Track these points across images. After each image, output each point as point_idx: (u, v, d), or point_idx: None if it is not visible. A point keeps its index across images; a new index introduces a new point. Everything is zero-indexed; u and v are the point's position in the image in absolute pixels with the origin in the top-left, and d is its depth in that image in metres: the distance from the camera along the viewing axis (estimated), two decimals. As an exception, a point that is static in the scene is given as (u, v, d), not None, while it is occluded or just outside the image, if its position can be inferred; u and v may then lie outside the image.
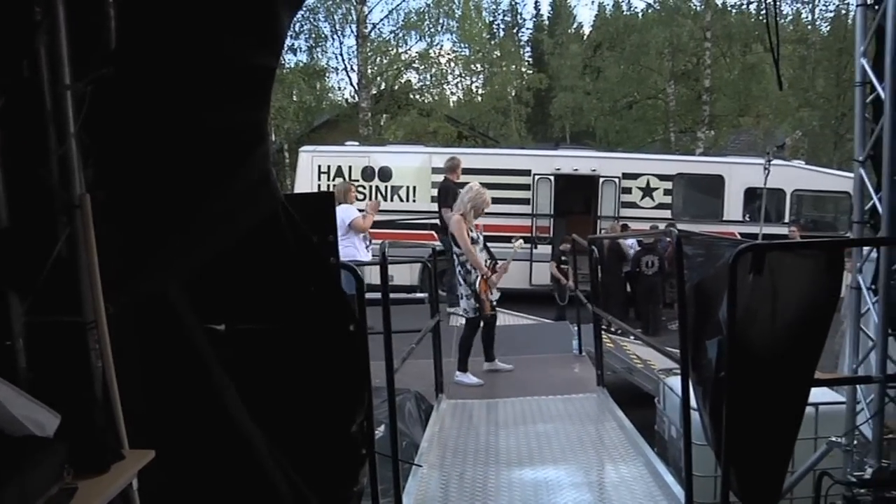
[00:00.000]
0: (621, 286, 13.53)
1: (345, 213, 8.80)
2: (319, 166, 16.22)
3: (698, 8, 26.95)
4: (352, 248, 8.62)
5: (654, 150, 24.45)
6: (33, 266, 1.75)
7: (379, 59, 26.76)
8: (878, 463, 4.52)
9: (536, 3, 57.77)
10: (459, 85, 30.96)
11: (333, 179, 15.87)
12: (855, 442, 4.77)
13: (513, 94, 30.49)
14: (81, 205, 1.79)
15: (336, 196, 9.34)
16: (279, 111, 24.16)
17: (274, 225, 2.29)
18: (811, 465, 4.87)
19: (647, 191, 16.05)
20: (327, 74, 28.53)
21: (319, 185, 15.80)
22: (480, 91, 31.73)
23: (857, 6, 4.90)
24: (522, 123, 31.30)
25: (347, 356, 2.51)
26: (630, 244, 13.70)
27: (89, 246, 1.79)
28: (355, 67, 26.75)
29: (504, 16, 46.58)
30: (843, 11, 26.21)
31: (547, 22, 48.38)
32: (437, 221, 11.45)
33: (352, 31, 26.30)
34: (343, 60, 27.32)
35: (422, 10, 26.35)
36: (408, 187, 16.25)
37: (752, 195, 15.34)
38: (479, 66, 29.62)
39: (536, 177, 16.05)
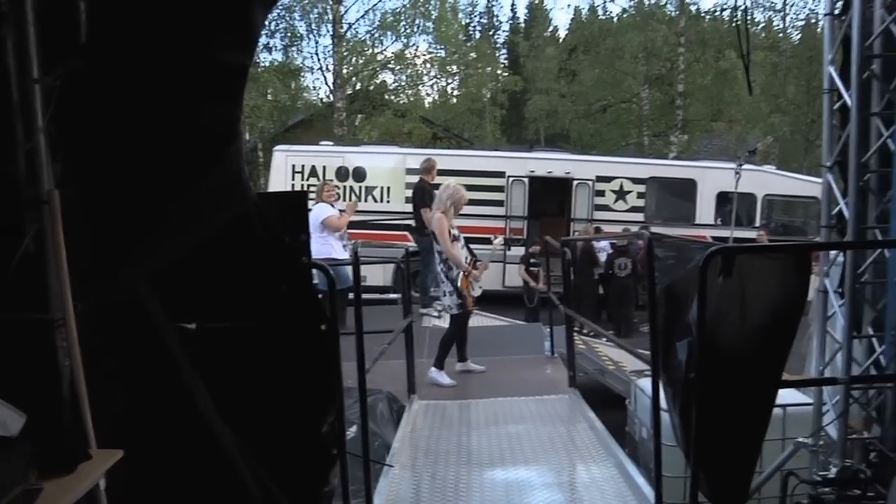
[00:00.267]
0: (594, 288, 13.62)
1: (319, 212, 8.78)
2: (294, 166, 16.13)
3: (673, 13, 27.24)
4: (328, 247, 8.58)
5: (628, 153, 24.62)
6: (0, 262, 1.72)
7: (354, 59, 26.65)
8: (842, 462, 4.60)
9: (513, 5, 58.09)
10: (435, 86, 31.08)
11: (308, 179, 15.80)
12: (821, 442, 4.85)
13: (488, 95, 30.50)
14: (50, 200, 1.76)
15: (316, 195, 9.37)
16: (254, 110, 24.00)
17: (246, 223, 2.27)
18: (779, 465, 4.94)
19: (621, 194, 16.18)
20: (302, 74, 28.39)
21: (293, 185, 15.71)
22: (456, 92, 31.82)
23: (825, 16, 4.99)
24: (497, 125, 31.33)
25: (319, 356, 2.50)
26: (602, 247, 13.79)
27: (57, 242, 1.76)
28: (331, 67, 26.66)
29: (480, 18, 46.78)
30: (813, 20, 26.65)
31: (523, 25, 48.55)
32: (412, 222, 11.44)
33: (328, 31, 26.21)
34: (318, 60, 27.24)
35: (398, 10, 26.34)
36: (382, 188, 16.22)
37: (724, 199, 15.52)
38: (454, 67, 29.64)
39: (511, 179, 16.10)
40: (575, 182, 16.18)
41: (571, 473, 4.83)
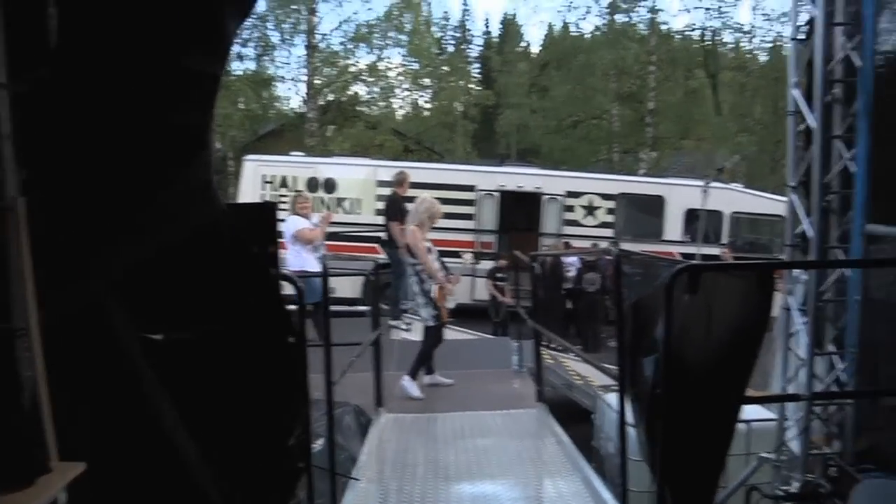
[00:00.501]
0: (562, 303, 13.69)
1: (291, 224, 8.75)
2: (264, 176, 16.06)
3: (644, 32, 27.62)
4: (300, 259, 8.56)
5: (598, 169, 24.86)
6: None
7: (327, 69, 26.64)
8: (804, 477, 4.67)
9: (486, 20, 58.44)
10: (407, 99, 31.14)
11: (278, 189, 15.73)
12: (783, 457, 4.92)
13: (460, 109, 30.68)
14: (14, 208, 1.73)
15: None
16: (224, 119, 23.86)
17: (213, 233, 2.26)
18: (743, 480, 5.00)
19: (590, 209, 16.32)
20: (275, 83, 28.26)
21: (264, 195, 15.62)
22: (428, 105, 31.89)
23: (791, 41, 5.11)
24: (469, 139, 31.54)
25: (286, 368, 2.49)
26: (571, 262, 13.88)
27: (21, 250, 1.73)
28: (304, 77, 26.61)
29: (454, 32, 47.06)
30: (780, 43, 27.19)
31: (496, 40, 48.92)
32: (382, 234, 11.42)
33: (301, 41, 26.17)
34: (291, 70, 27.18)
35: (372, 22, 26.40)
36: (352, 200, 16.21)
37: (692, 216, 15.71)
38: (427, 80, 29.73)
39: (481, 192, 16.17)
40: (545, 197, 16.29)
41: (538, 488, 4.84)
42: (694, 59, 26.45)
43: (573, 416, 7.20)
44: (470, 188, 16.17)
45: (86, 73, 1.89)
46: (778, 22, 25.36)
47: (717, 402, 3.19)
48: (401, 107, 32.00)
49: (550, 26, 37.21)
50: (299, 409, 2.63)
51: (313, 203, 14.98)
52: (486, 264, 14.92)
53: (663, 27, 28.05)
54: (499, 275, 13.63)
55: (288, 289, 2.97)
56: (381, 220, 11.63)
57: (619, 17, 27.96)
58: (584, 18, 30.30)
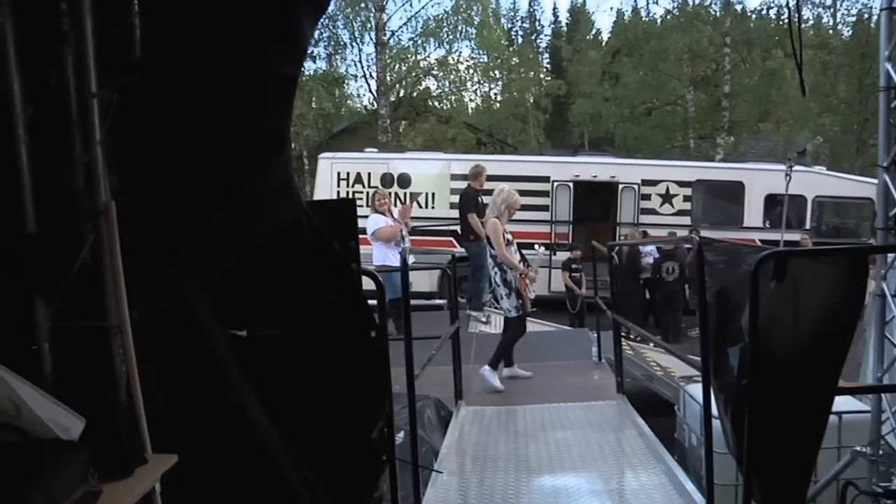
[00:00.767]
0: (641, 293, 13.46)
1: (371, 223, 8.91)
2: (339, 173, 16.28)
3: (718, 13, 26.84)
4: (381, 255, 8.73)
5: (674, 156, 24.32)
6: (59, 272, 1.77)
7: (398, 66, 26.83)
8: (904, 473, 4.47)
9: (555, 9, 57.89)
10: (478, 91, 31.05)
11: (353, 186, 15.93)
12: (881, 452, 4.72)
13: (531, 100, 30.45)
14: (106, 212, 1.80)
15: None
16: (299, 118, 24.24)
17: (295, 231, 2.30)
18: (835, 474, 4.81)
19: (667, 197, 15.98)
20: (346, 81, 28.65)
21: (339, 192, 15.85)
22: (499, 98, 31.72)
23: (882, 10, 4.87)
24: (541, 130, 31.25)
25: (368, 362, 2.52)
26: (648, 251, 13.63)
27: (114, 252, 1.80)
28: (374, 74, 26.88)
29: (522, 23, 46.77)
30: (866, 16, 26.01)
31: (565, 28, 48.39)
32: (457, 228, 11.44)
33: (371, 39, 26.44)
34: (362, 67, 27.48)
35: (440, 17, 26.45)
36: (427, 194, 16.28)
37: (772, 201, 15.22)
38: (497, 72, 29.57)
39: (555, 183, 16.02)
40: (620, 186, 16.04)
41: (620, 481, 4.78)
42: (771, 38, 25.47)
43: (654, 407, 7.07)
44: (544, 179, 16.03)
45: (170, 78, 1.95)
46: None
47: (807, 392, 3.08)
48: (472, 100, 32.03)
49: (620, 12, 36.50)
50: (382, 402, 2.65)
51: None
52: (562, 255, 14.80)
53: (738, 7, 27.20)
54: (574, 266, 13.50)
55: (368, 284, 3.01)
56: (455, 213, 11.64)
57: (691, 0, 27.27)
58: (656, 2, 29.51)
